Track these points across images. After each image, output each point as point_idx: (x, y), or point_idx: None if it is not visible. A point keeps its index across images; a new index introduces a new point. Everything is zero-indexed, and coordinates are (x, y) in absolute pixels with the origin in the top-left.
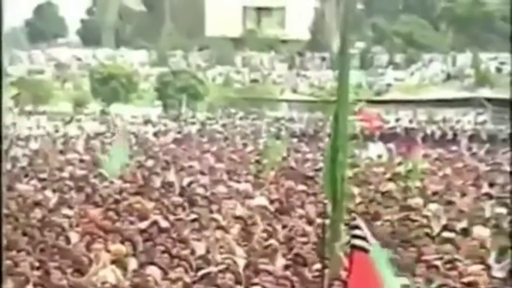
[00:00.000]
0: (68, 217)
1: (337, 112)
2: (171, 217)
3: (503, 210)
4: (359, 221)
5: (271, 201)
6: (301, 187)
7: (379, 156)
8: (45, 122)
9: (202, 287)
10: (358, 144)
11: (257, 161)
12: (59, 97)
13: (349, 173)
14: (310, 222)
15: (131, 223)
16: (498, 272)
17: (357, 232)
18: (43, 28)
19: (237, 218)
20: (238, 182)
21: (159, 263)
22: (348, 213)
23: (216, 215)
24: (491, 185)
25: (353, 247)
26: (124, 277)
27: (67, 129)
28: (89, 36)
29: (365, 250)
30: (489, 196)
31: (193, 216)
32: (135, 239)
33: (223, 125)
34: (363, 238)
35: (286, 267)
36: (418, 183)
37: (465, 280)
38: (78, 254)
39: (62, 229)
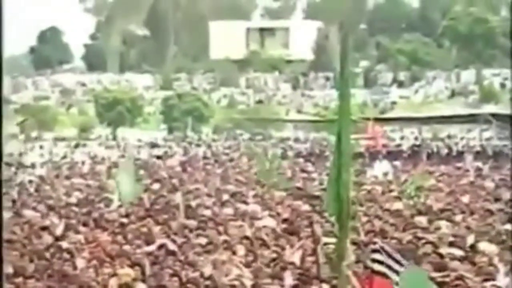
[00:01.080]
0: (75, 242)
1: (340, 131)
2: (179, 240)
3: (509, 226)
4: (381, 245)
5: (279, 222)
6: (308, 207)
7: (385, 174)
8: (51, 147)
9: None
10: (363, 163)
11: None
12: (64, 123)
13: (355, 191)
14: (316, 241)
15: (138, 247)
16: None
17: (376, 256)
18: (47, 54)
19: (244, 239)
20: (245, 203)
21: (168, 286)
22: (354, 232)
23: (223, 237)
24: (497, 200)
25: (373, 271)
26: None
27: (73, 155)
28: (94, 61)
29: (386, 276)
30: (495, 212)
31: (201, 238)
32: (143, 263)
33: (229, 147)
34: (383, 263)
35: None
36: (424, 201)
37: None
38: (86, 280)
39: (70, 254)
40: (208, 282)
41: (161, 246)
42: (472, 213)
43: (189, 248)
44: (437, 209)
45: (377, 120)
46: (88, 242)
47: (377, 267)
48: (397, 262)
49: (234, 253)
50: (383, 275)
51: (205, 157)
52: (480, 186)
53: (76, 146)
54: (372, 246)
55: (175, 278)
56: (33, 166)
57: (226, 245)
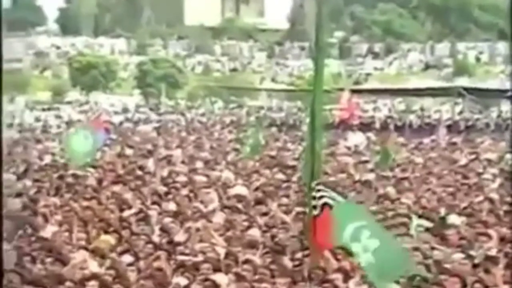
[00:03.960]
0: (48, 206)
1: (313, 102)
2: (151, 207)
3: (479, 199)
4: (322, 182)
5: (251, 190)
6: (281, 176)
7: (358, 145)
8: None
9: (181, 276)
10: (337, 134)
11: (237, 150)
12: (37, 86)
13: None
14: (289, 211)
15: (112, 212)
16: (478, 259)
17: (317, 194)
18: (20, 16)
19: (217, 207)
20: (219, 171)
21: (136, 252)
22: None
23: (195, 204)
24: (469, 173)
25: (324, 204)
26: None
27: (46, 117)
28: (68, 24)
29: (329, 206)
30: (467, 186)
31: (173, 205)
32: (117, 229)
33: (203, 114)
34: (325, 196)
35: (266, 256)
36: (395, 172)
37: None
38: (57, 244)
39: (44, 218)
40: (181, 249)
41: (137, 213)
42: (443, 185)
43: (162, 214)
44: (408, 180)
45: (351, 91)
46: (61, 206)
47: (319, 201)
48: (340, 194)
49: (208, 220)
50: (327, 205)
51: (178, 124)
52: (452, 159)
53: (49, 109)
54: (316, 187)
55: (150, 245)
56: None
57: (200, 213)
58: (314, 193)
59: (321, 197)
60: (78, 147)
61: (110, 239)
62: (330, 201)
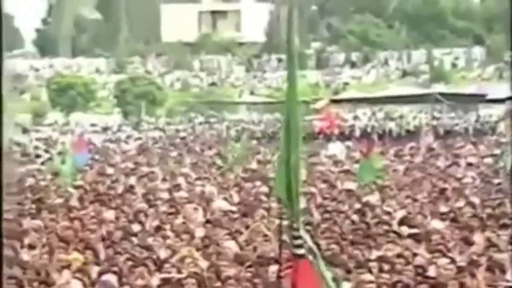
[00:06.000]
0: (28, 229)
1: (288, 113)
2: (134, 224)
3: (461, 204)
4: (302, 232)
5: (233, 204)
6: (263, 188)
7: (338, 155)
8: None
9: None
10: (318, 144)
11: (218, 165)
12: (16, 109)
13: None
14: (271, 223)
15: (93, 231)
16: (461, 263)
17: (299, 242)
18: None
19: (200, 222)
20: (201, 186)
21: (118, 270)
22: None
23: (178, 220)
24: (449, 178)
25: (297, 256)
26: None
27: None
28: (46, 46)
29: (310, 261)
30: (448, 190)
31: (156, 222)
32: (97, 247)
33: (183, 130)
34: (302, 246)
35: (249, 270)
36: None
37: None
38: (39, 266)
39: (22, 240)
40: (163, 265)
41: (117, 230)
42: (424, 191)
43: (144, 231)
44: (390, 188)
45: (330, 101)
46: (45, 228)
47: (298, 251)
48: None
49: (191, 236)
50: (303, 256)
51: (159, 141)
52: (433, 165)
53: (26, 131)
54: (294, 233)
55: (130, 262)
56: None
57: (182, 228)
58: (294, 241)
59: (299, 246)
60: (66, 168)
61: (79, 257)
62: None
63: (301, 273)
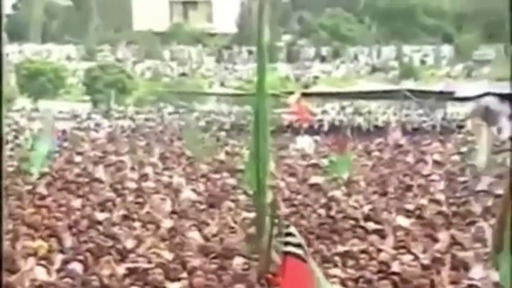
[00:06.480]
0: None
1: (257, 106)
2: (101, 213)
3: (425, 201)
4: (293, 229)
5: (201, 195)
6: (231, 180)
7: (307, 148)
8: None
9: (131, 282)
10: (286, 137)
11: (187, 155)
12: None
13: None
14: (238, 215)
15: (59, 219)
16: (426, 260)
17: (290, 239)
18: None
19: (167, 212)
20: (169, 176)
21: (83, 259)
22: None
23: (145, 210)
24: (416, 175)
25: (286, 253)
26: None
27: None
28: (15, 31)
29: (302, 259)
30: (414, 187)
31: (123, 211)
32: (62, 235)
33: (152, 120)
34: (298, 246)
35: (214, 261)
36: (344, 175)
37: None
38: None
39: None
40: (129, 255)
41: (83, 218)
42: (391, 187)
43: (111, 221)
44: (357, 183)
45: (300, 94)
46: (10, 215)
47: (291, 249)
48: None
49: (157, 227)
50: (298, 257)
51: (127, 130)
52: (400, 161)
53: None
54: (285, 230)
55: (95, 251)
56: None
57: (148, 219)
58: (287, 238)
59: (292, 244)
60: (38, 153)
61: (44, 244)
62: (302, 254)
63: (289, 270)
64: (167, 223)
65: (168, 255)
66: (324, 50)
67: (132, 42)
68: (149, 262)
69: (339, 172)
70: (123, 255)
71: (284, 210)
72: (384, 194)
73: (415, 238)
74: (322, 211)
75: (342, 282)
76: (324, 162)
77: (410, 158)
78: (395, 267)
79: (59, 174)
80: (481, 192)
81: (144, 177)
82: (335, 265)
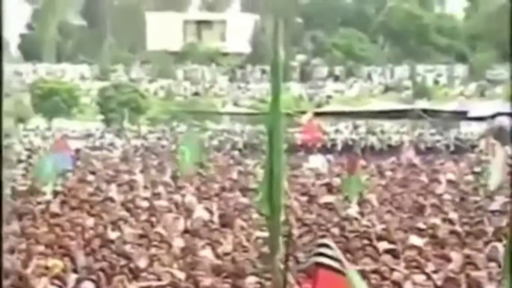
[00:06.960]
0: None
1: (271, 125)
2: (114, 232)
3: (438, 221)
4: (329, 241)
5: (214, 214)
6: (244, 199)
7: (320, 168)
8: None
9: None
10: (299, 156)
11: (200, 174)
12: None
13: (289, 184)
14: (250, 234)
15: (72, 238)
16: (439, 281)
17: (324, 250)
18: None
19: (179, 231)
20: (181, 195)
21: (96, 278)
22: (287, 225)
23: (158, 229)
24: (430, 195)
25: (319, 265)
26: None
27: (8, 144)
28: (30, 51)
29: (337, 271)
30: (428, 206)
31: (135, 230)
32: (74, 254)
33: (165, 139)
34: (333, 258)
35: (227, 280)
36: (357, 195)
37: None
38: (20, 272)
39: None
40: (141, 274)
41: (96, 237)
42: (404, 207)
43: (123, 240)
44: (370, 202)
45: (313, 114)
46: (23, 234)
47: (324, 260)
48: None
49: (169, 245)
50: (332, 268)
51: (141, 149)
52: (414, 181)
53: (8, 136)
54: (320, 241)
55: (108, 270)
56: None
57: (161, 238)
58: (320, 248)
59: (325, 255)
60: (45, 170)
61: (59, 263)
62: (338, 266)
63: (321, 282)
64: (179, 242)
65: (180, 274)
66: (337, 70)
67: (146, 62)
68: (162, 281)
69: (352, 191)
70: (135, 274)
71: (297, 229)
72: (397, 213)
73: (428, 258)
74: (335, 230)
75: None
76: (337, 181)
77: (423, 178)
78: (408, 287)
79: (72, 193)
80: (494, 212)
81: (156, 196)
82: None
